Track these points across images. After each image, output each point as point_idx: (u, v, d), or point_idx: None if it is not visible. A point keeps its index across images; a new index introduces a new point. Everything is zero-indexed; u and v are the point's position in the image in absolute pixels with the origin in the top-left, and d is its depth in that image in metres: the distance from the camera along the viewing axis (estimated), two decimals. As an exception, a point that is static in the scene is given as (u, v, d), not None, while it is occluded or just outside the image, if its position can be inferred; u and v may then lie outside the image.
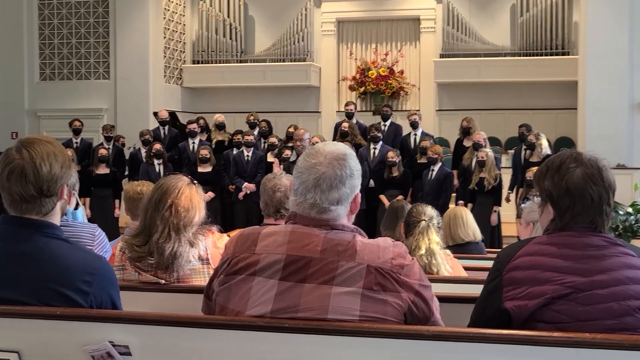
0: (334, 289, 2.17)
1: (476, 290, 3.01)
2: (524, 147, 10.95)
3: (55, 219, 2.47)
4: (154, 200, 3.24)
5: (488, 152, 10.08)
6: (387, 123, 11.87)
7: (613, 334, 2.10)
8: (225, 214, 10.86)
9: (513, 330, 2.17)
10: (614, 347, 1.99)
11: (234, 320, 2.22)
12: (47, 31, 15.87)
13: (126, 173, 12.02)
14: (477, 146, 10.31)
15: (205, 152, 10.95)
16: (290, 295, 2.19)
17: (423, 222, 4.36)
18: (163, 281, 3.14)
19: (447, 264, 4.27)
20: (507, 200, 10.67)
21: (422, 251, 4.19)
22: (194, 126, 11.80)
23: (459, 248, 5.51)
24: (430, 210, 4.48)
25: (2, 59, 15.62)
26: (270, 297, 2.20)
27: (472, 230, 5.73)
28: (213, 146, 11.90)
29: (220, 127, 12.27)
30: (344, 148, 2.37)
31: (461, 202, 10.14)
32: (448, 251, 4.49)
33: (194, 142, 11.69)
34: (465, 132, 11.30)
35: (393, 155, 10.41)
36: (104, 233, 3.65)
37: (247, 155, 11.05)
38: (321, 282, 2.19)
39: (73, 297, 2.33)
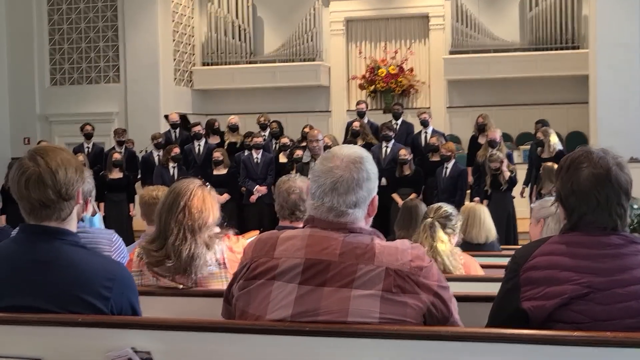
0: (354, 292, 2.18)
1: (491, 288, 3.01)
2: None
3: (72, 225, 2.51)
4: (167, 204, 3.26)
5: (499, 156, 9.95)
6: (399, 121, 11.86)
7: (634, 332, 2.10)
8: (239, 216, 10.87)
9: (533, 330, 2.17)
10: (636, 346, 1.99)
11: (254, 324, 2.23)
12: (56, 36, 15.93)
13: (139, 177, 12.05)
14: (492, 144, 10.26)
15: (217, 155, 10.96)
16: (310, 299, 2.21)
17: (428, 220, 4.33)
18: (181, 286, 3.16)
19: (458, 262, 4.20)
20: (522, 195, 10.63)
21: (425, 249, 4.15)
22: (198, 128, 11.82)
23: (470, 246, 5.49)
24: (445, 209, 4.42)
25: (13, 65, 15.69)
26: (290, 301, 2.22)
27: (486, 231, 5.69)
28: (225, 148, 11.93)
29: (234, 129, 12.28)
30: (361, 151, 2.38)
31: (477, 199, 10.13)
32: (458, 249, 4.40)
33: (199, 144, 11.71)
34: (481, 128, 11.23)
35: (405, 153, 10.41)
36: (121, 239, 3.68)
37: (257, 158, 11.05)
38: (340, 286, 2.20)
39: (94, 303, 2.36)
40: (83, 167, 2.51)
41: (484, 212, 5.84)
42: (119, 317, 2.38)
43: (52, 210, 2.42)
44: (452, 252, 4.24)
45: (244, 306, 2.32)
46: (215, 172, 10.83)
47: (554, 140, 10.48)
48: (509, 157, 10.35)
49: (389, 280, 2.19)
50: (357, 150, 2.38)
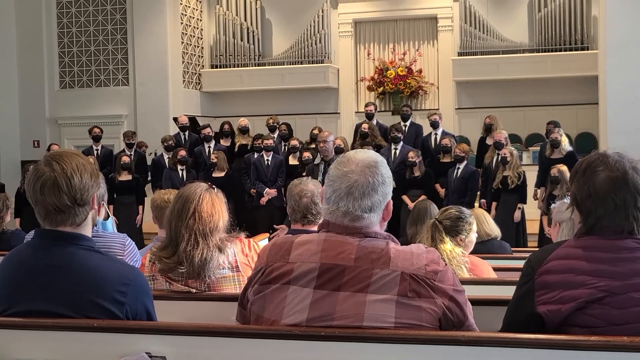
0: (369, 296, 2.19)
1: (504, 291, 3.00)
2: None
3: (87, 230, 2.51)
4: (176, 210, 3.26)
5: (512, 150, 10.04)
6: (408, 123, 11.84)
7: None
8: (245, 218, 10.82)
9: (549, 334, 2.16)
10: (653, 350, 1.98)
11: (269, 329, 2.24)
12: (66, 39, 15.96)
13: (149, 179, 12.07)
14: (498, 145, 10.26)
15: (212, 157, 11.00)
16: (325, 304, 2.21)
17: (431, 220, 4.32)
18: (194, 290, 3.16)
19: (463, 265, 4.15)
20: (535, 197, 10.59)
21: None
22: (207, 131, 11.85)
23: (482, 245, 5.50)
24: (452, 211, 4.37)
25: (23, 68, 15.74)
26: (306, 305, 2.22)
27: (492, 228, 5.73)
28: (235, 150, 11.94)
29: (244, 131, 12.28)
30: (375, 156, 2.38)
31: (484, 201, 10.11)
32: (459, 249, 4.33)
33: (209, 147, 11.73)
34: (488, 129, 11.23)
35: (413, 156, 10.40)
36: (133, 243, 3.68)
37: (267, 160, 11.05)
38: (356, 290, 2.20)
39: (108, 308, 2.36)
40: (98, 172, 2.51)
41: (484, 211, 5.97)
42: (134, 322, 2.38)
43: (67, 216, 2.43)
44: (452, 254, 4.18)
45: (259, 311, 2.32)
46: (213, 175, 10.83)
47: (565, 140, 10.47)
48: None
49: (405, 285, 2.19)
50: (371, 154, 2.39)
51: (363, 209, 2.29)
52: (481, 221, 5.69)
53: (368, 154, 2.38)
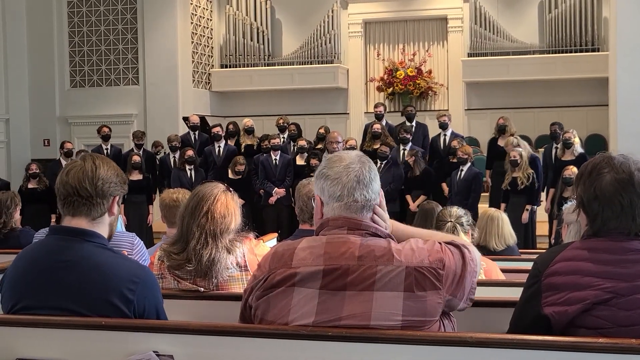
0: (376, 294, 2.19)
1: (513, 293, 3.00)
2: (555, 145, 10.81)
3: (103, 230, 2.54)
4: (190, 207, 3.28)
5: (521, 151, 9.97)
6: (413, 123, 11.80)
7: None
8: (254, 218, 10.84)
9: (557, 336, 2.15)
10: (661, 353, 1.98)
11: (277, 329, 2.24)
12: (76, 39, 16.01)
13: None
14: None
15: (241, 168, 10.98)
16: (332, 304, 2.21)
17: (449, 224, 4.36)
18: (202, 289, 3.17)
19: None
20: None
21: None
22: (217, 129, 11.83)
23: (488, 252, 5.46)
24: (456, 211, 4.50)
25: (34, 67, 15.79)
26: (312, 307, 2.22)
27: (505, 238, 5.66)
28: (242, 150, 11.94)
29: (249, 131, 12.28)
30: (359, 152, 2.48)
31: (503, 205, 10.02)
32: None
33: (219, 146, 11.73)
34: (501, 130, 11.14)
35: (407, 156, 10.50)
36: (142, 242, 3.69)
37: (275, 159, 11.05)
38: (362, 289, 2.20)
39: (117, 305, 2.39)
40: (125, 179, 2.60)
41: (501, 220, 5.78)
42: (142, 321, 2.39)
43: (84, 202, 2.49)
44: None
45: (263, 314, 2.32)
46: (230, 176, 10.83)
47: (577, 142, 10.45)
48: (535, 160, 10.18)
49: (410, 280, 2.20)
50: (354, 151, 2.49)
51: (374, 192, 2.37)
52: (492, 232, 5.65)
53: (354, 152, 2.46)
